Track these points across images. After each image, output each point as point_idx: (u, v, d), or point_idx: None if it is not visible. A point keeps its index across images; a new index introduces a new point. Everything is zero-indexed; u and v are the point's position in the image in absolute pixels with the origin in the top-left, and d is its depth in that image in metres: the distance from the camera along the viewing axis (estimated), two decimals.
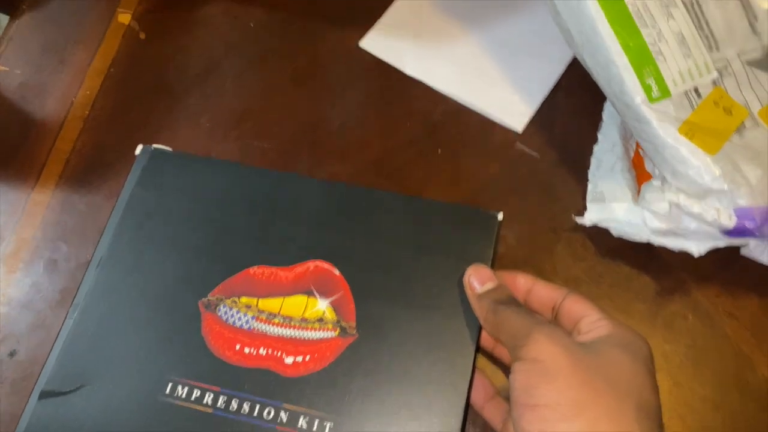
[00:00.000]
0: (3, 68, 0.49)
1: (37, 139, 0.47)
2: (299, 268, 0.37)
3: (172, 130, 0.47)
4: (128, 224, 0.39)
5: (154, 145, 0.42)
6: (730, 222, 0.37)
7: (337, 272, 0.37)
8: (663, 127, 0.39)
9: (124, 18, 0.51)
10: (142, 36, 0.51)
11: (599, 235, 0.43)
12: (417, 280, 0.37)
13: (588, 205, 0.43)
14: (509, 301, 0.34)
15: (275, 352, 0.36)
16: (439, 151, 0.47)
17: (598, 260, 0.43)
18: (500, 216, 0.39)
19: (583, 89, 0.47)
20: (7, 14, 0.54)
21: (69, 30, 0.51)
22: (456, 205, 0.40)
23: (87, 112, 0.48)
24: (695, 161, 0.38)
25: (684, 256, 0.41)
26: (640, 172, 0.44)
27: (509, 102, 0.48)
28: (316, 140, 0.47)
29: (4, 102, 0.48)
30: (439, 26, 0.51)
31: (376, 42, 0.50)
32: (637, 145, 0.44)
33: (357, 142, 0.47)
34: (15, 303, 0.42)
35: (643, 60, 0.40)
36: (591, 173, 0.44)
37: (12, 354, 0.41)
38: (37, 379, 0.37)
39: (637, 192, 0.42)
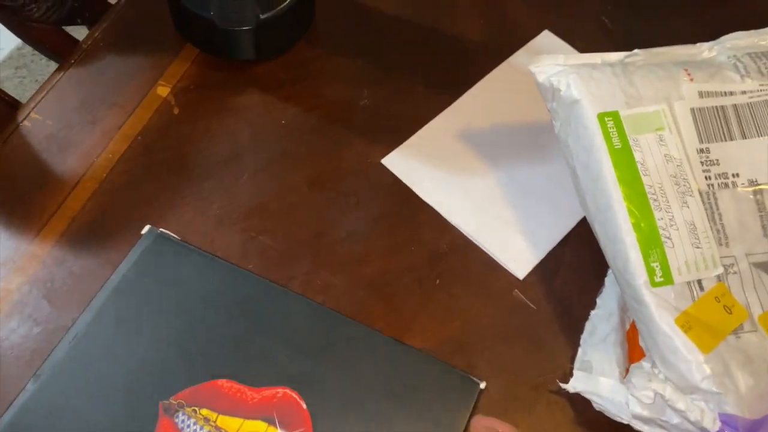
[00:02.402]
0: (36, 116, 0.51)
1: (50, 193, 0.48)
2: (267, 392, 0.37)
3: (182, 209, 0.47)
4: (113, 306, 0.39)
5: (161, 230, 0.42)
6: (713, 426, 0.36)
7: (304, 406, 0.36)
8: (660, 314, 0.38)
9: (163, 91, 0.53)
10: (176, 111, 0.52)
11: (581, 402, 0.42)
12: None
13: (575, 372, 0.42)
14: None
15: None
16: (438, 281, 0.47)
17: (575, 430, 0.42)
18: (483, 385, 0.39)
19: (591, 249, 0.47)
20: (58, 62, 0.56)
21: (108, 92, 0.52)
22: (441, 363, 0.39)
23: (104, 175, 0.49)
24: (688, 356, 0.37)
25: None
26: (632, 346, 0.43)
27: (515, 247, 0.48)
28: (319, 247, 0.47)
29: (29, 150, 0.49)
30: (462, 158, 0.52)
31: (397, 162, 0.51)
32: None
33: (358, 256, 0.47)
34: None
35: (651, 242, 0.40)
36: (583, 339, 0.44)
37: None
38: None
39: (626, 369, 0.42)
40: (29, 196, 0.47)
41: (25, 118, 0.51)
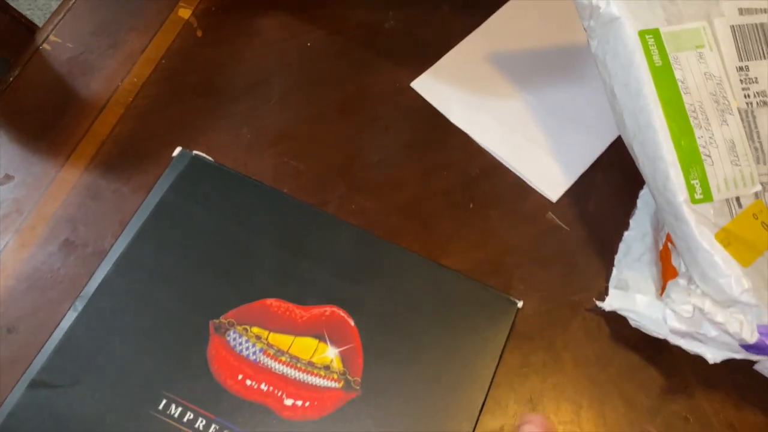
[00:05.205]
0: (55, 39, 0.49)
1: (76, 117, 0.47)
2: (316, 311, 0.37)
3: (212, 134, 0.47)
4: (153, 228, 0.39)
5: (195, 152, 0.41)
6: (751, 337, 0.37)
7: (352, 323, 0.37)
8: (700, 230, 0.39)
9: (185, 13, 0.51)
10: (199, 34, 0.51)
11: (615, 320, 0.43)
12: (428, 350, 0.37)
13: (611, 290, 0.43)
14: None
15: (276, 391, 0.35)
16: (471, 205, 0.47)
17: (610, 345, 0.43)
18: (520, 304, 0.39)
19: (622, 171, 0.47)
20: None
21: (127, 14, 0.51)
22: (479, 284, 0.39)
23: (130, 100, 0.48)
24: (727, 270, 0.38)
25: (694, 358, 0.40)
26: (665, 266, 0.44)
27: (548, 169, 0.48)
28: (352, 172, 0.47)
29: (51, 73, 0.48)
30: (491, 80, 0.51)
31: (427, 85, 0.50)
32: (667, 238, 0.44)
33: (391, 181, 0.47)
34: (23, 278, 0.42)
35: (692, 160, 0.40)
36: (618, 259, 0.44)
37: (10, 330, 0.40)
38: (29, 366, 0.36)
39: (662, 287, 0.42)
40: (55, 121, 0.46)
41: (44, 41, 0.49)
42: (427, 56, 0.51)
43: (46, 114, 0.47)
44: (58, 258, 0.42)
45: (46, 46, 0.49)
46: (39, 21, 0.52)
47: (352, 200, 0.46)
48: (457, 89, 0.50)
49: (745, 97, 0.42)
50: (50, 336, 0.37)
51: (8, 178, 0.44)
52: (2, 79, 0.47)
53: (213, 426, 0.34)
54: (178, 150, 0.41)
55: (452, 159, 0.48)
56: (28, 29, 0.50)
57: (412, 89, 0.50)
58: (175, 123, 0.47)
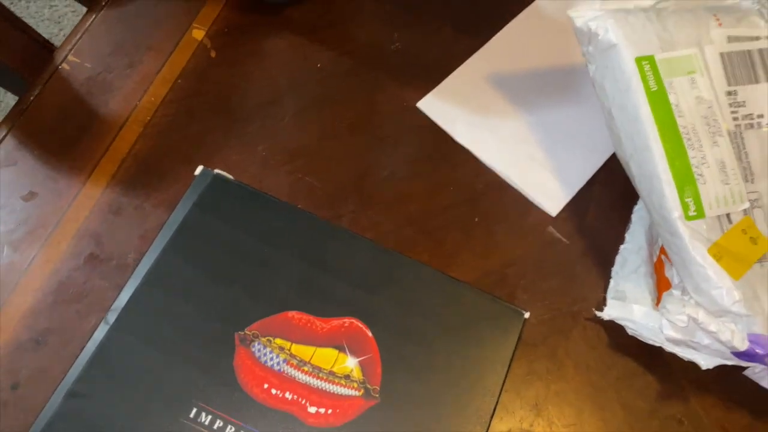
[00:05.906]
0: (74, 59, 0.51)
1: (96, 135, 0.48)
2: (335, 322, 0.39)
3: (228, 151, 0.49)
4: (179, 244, 0.40)
5: (216, 170, 0.43)
6: (742, 345, 0.40)
7: (370, 334, 0.39)
8: (694, 245, 0.41)
9: (198, 34, 0.53)
10: (213, 54, 0.52)
11: (614, 328, 0.45)
12: (442, 359, 0.39)
13: (609, 301, 0.45)
14: None
15: (300, 399, 0.37)
16: (476, 219, 0.49)
17: (609, 352, 0.46)
18: (527, 315, 0.41)
19: (617, 187, 0.50)
20: (86, 6, 0.56)
21: (143, 35, 0.52)
22: (488, 295, 0.42)
23: (149, 118, 0.49)
24: (719, 283, 0.40)
25: (688, 364, 0.43)
26: (659, 278, 0.47)
27: (547, 185, 0.51)
28: (363, 188, 0.49)
29: (70, 92, 0.50)
30: (493, 100, 0.53)
31: (432, 105, 0.53)
32: (661, 251, 0.47)
33: (401, 196, 0.49)
34: (49, 292, 0.43)
35: (685, 179, 0.42)
36: (615, 271, 0.47)
37: (39, 342, 0.41)
38: (64, 377, 0.38)
39: (657, 297, 0.45)
40: (77, 139, 0.48)
41: (63, 61, 0.51)
42: (431, 76, 0.54)
43: (67, 132, 0.48)
44: (83, 272, 0.44)
45: (65, 65, 0.51)
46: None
47: (364, 215, 0.48)
48: (460, 109, 0.53)
49: (734, 119, 0.45)
50: (82, 348, 0.38)
51: (33, 194, 0.46)
52: (23, 99, 0.49)
53: None
54: (200, 169, 0.43)
55: (458, 176, 0.50)
56: (45, 48, 0.52)
57: (418, 108, 0.52)
58: (192, 141, 0.49)
